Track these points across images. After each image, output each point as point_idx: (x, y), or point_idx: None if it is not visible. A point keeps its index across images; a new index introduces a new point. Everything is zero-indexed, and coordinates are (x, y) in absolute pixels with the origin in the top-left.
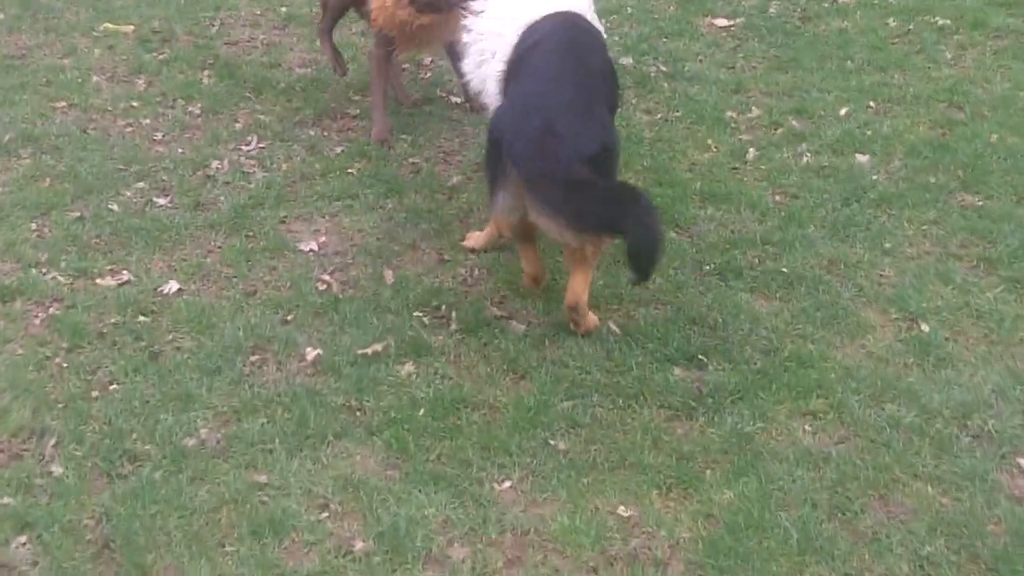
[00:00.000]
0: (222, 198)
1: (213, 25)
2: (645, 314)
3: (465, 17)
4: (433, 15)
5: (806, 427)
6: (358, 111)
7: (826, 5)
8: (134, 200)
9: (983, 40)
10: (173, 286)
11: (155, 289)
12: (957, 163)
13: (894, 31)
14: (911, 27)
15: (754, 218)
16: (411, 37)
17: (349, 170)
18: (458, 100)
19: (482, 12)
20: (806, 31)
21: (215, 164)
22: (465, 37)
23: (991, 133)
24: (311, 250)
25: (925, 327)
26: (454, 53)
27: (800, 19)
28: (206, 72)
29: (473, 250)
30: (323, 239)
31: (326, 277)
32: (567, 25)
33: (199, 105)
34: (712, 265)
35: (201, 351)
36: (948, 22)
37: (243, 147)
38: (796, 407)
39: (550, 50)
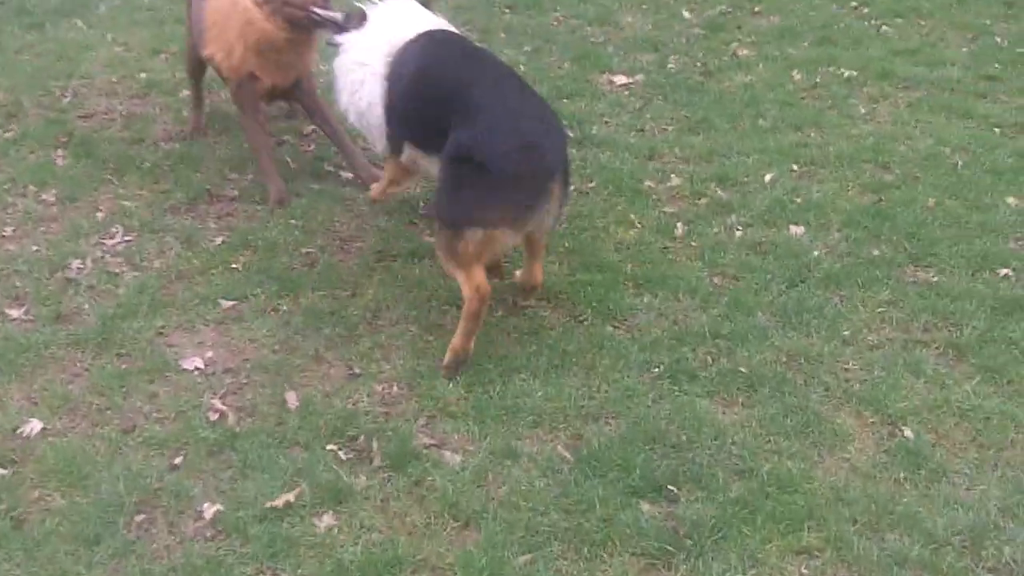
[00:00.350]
0: (87, 307)
1: (65, 96)
2: (597, 432)
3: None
4: (298, 31)
5: (803, 569)
6: (236, 191)
7: (726, 59)
8: None
9: (893, 92)
10: (35, 426)
11: (14, 430)
12: (899, 233)
13: (801, 85)
14: (818, 80)
15: (696, 305)
16: (272, 62)
17: (233, 265)
18: (349, 176)
19: (345, 44)
20: (710, 87)
21: (76, 264)
22: (337, 72)
23: (927, 197)
24: (197, 368)
25: (908, 432)
26: (311, 101)
27: (702, 74)
28: (60, 152)
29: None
30: (210, 354)
31: (218, 403)
32: (461, 42)
33: (53, 192)
34: (661, 366)
35: (75, 513)
36: (855, 73)
37: (107, 241)
38: (787, 544)
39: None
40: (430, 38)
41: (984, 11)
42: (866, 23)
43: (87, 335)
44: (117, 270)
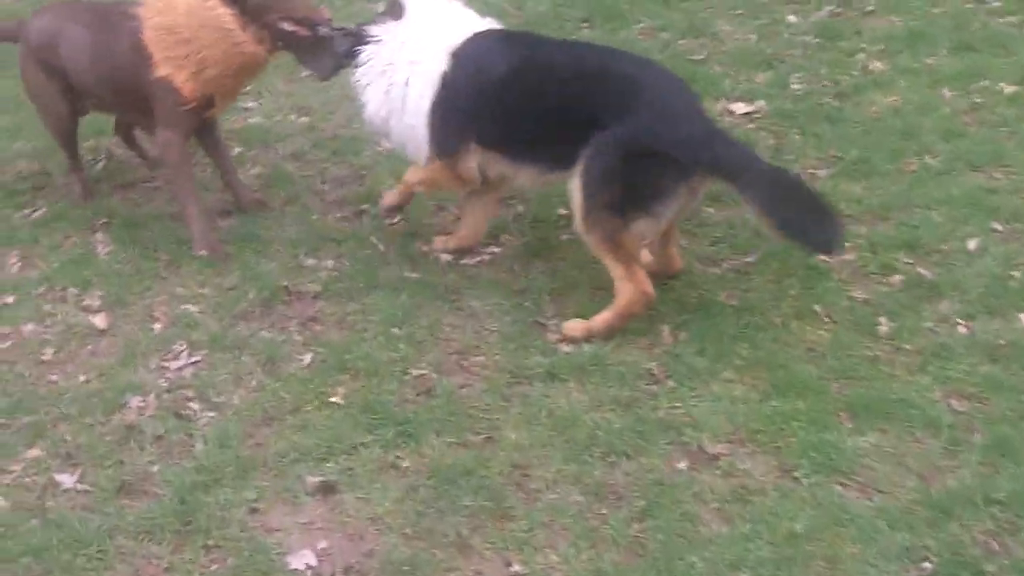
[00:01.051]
0: (156, 470)
1: (98, 159)
2: None
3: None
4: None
5: None
6: (318, 286)
7: (856, 75)
8: (26, 480)
9: None
10: None
11: None
12: None
13: (959, 107)
14: (977, 100)
15: (942, 448)
16: (238, 85)
17: (331, 397)
18: (448, 258)
19: (379, 38)
20: (851, 114)
21: (135, 402)
22: (364, 72)
23: None
24: (309, 568)
25: None
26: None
27: (835, 96)
28: (99, 236)
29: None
30: (322, 543)
31: None
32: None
33: (98, 295)
34: (929, 555)
35: None
36: (1016, 88)
37: (170, 364)
38: None
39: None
40: (504, 34)
41: None
42: (1001, 20)
43: (162, 515)
44: (187, 411)
